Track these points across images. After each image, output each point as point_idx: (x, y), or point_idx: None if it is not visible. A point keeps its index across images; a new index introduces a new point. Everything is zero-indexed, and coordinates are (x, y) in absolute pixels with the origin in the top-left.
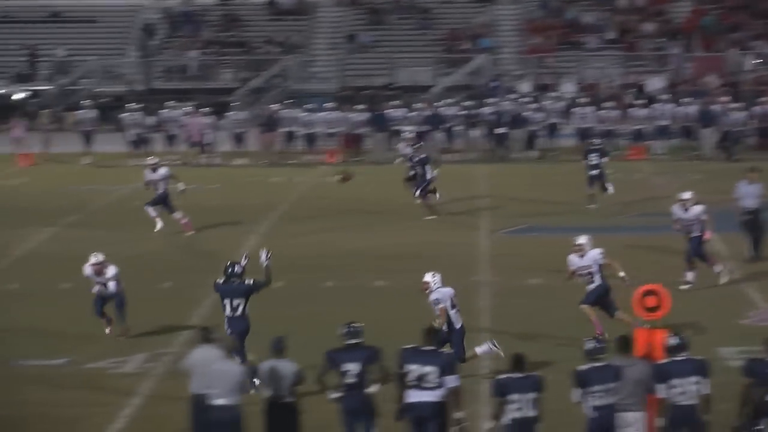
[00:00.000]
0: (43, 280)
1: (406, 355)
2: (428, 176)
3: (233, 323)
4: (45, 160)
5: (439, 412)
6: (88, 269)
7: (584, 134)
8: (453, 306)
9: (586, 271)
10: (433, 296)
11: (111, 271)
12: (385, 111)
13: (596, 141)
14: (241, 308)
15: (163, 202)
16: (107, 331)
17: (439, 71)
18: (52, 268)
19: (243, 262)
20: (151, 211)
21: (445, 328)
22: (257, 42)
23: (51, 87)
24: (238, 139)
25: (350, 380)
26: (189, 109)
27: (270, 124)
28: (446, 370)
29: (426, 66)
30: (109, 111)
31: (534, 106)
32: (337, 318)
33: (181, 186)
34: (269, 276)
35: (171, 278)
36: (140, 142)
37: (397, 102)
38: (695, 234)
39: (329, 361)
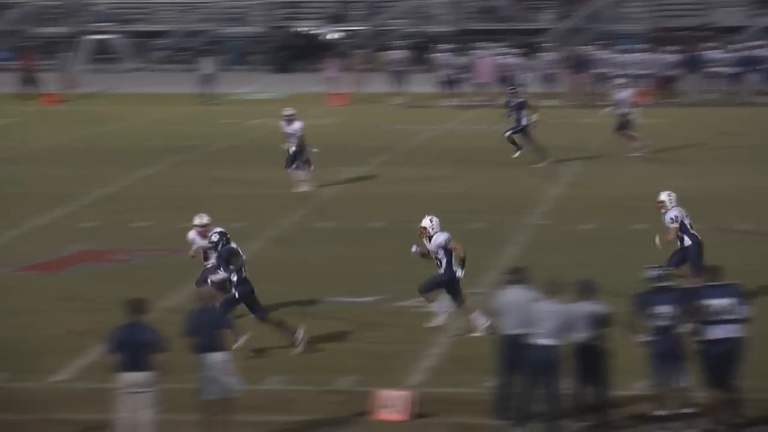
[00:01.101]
0: (355, 218)
1: (702, 292)
2: (523, 122)
3: (247, 283)
4: (357, 100)
5: (741, 344)
6: (191, 233)
7: None
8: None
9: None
10: (438, 239)
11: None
12: (699, 52)
13: None
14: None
15: (296, 158)
16: None
17: (754, 12)
18: (364, 206)
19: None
20: (298, 175)
21: (442, 271)
22: None
23: (364, 27)
24: (549, 80)
25: (661, 323)
26: (500, 49)
27: (581, 65)
28: (742, 300)
29: (741, 6)
30: (420, 51)
31: None
32: (647, 260)
33: (315, 149)
34: None
35: (480, 219)
36: (451, 83)
37: (711, 43)
38: None
39: (639, 303)
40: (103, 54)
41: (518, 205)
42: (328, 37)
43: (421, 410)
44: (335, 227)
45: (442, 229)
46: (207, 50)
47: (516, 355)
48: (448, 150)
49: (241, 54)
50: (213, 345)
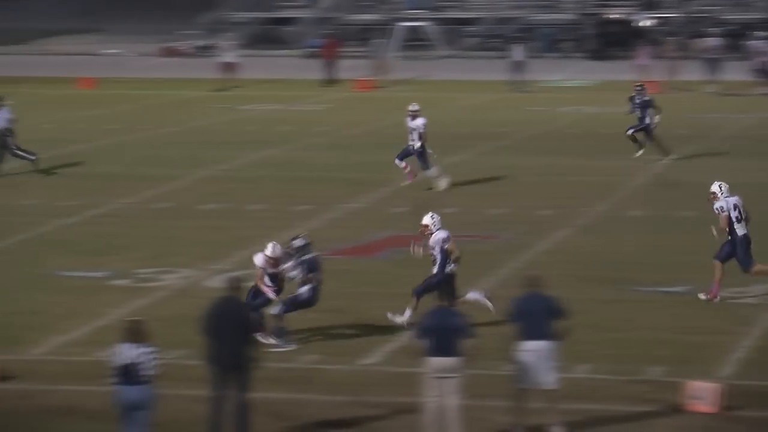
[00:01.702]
0: (666, 207)
1: None
2: (646, 121)
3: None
4: (669, 87)
5: None
6: (259, 259)
7: None
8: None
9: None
10: (438, 236)
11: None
12: None
13: None
14: None
15: (410, 154)
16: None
17: None
18: (675, 195)
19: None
20: (399, 163)
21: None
22: None
23: (677, 14)
24: None
25: None
26: None
27: None
28: None
29: None
30: (735, 39)
31: None
32: None
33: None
34: None
35: None
36: (765, 71)
37: None
38: None
39: None
40: (415, 41)
41: None
42: (641, 24)
43: (731, 403)
44: (645, 216)
45: (443, 227)
46: (518, 37)
47: None
48: (762, 139)
49: (551, 41)
50: (539, 333)
